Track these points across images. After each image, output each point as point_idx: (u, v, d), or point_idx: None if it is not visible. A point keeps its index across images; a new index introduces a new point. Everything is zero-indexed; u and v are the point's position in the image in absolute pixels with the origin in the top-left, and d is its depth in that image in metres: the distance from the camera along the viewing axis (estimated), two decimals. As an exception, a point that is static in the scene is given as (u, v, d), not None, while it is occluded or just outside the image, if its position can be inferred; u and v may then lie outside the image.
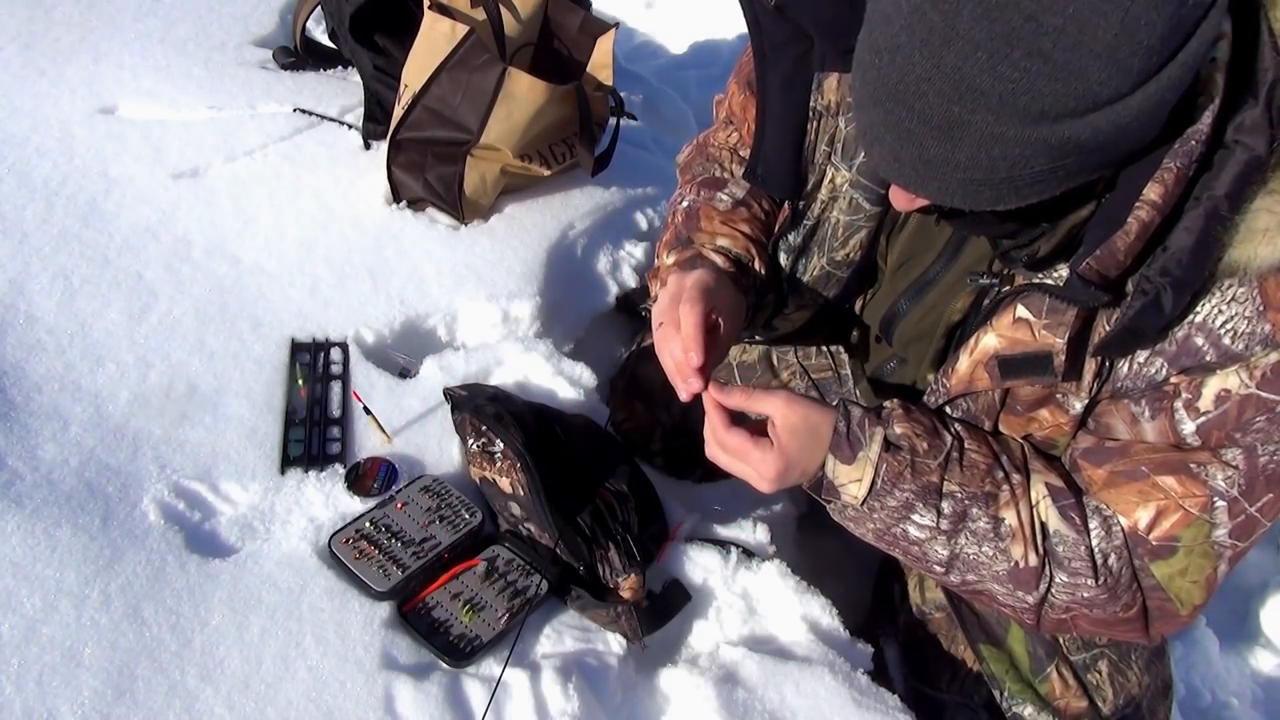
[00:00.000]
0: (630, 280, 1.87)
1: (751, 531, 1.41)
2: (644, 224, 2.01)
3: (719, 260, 1.15)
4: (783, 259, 1.22)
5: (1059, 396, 0.99)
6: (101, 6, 2.21)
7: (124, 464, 1.24)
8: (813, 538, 1.62)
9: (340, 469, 1.31)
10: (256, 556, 1.18)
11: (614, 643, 1.21)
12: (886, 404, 1.02)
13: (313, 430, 1.36)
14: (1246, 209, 0.79)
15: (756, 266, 1.18)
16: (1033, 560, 0.97)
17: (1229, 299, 0.83)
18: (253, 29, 2.30)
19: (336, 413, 1.40)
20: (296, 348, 1.47)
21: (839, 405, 0.99)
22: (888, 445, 0.97)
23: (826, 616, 1.29)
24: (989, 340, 0.97)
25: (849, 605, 1.32)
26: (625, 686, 1.19)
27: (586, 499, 1.30)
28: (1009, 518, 0.97)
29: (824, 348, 1.34)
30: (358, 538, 1.21)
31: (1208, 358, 0.86)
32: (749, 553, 1.35)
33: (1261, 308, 0.82)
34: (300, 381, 1.41)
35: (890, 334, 1.20)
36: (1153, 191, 0.79)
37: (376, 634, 1.13)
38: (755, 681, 1.17)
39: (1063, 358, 0.91)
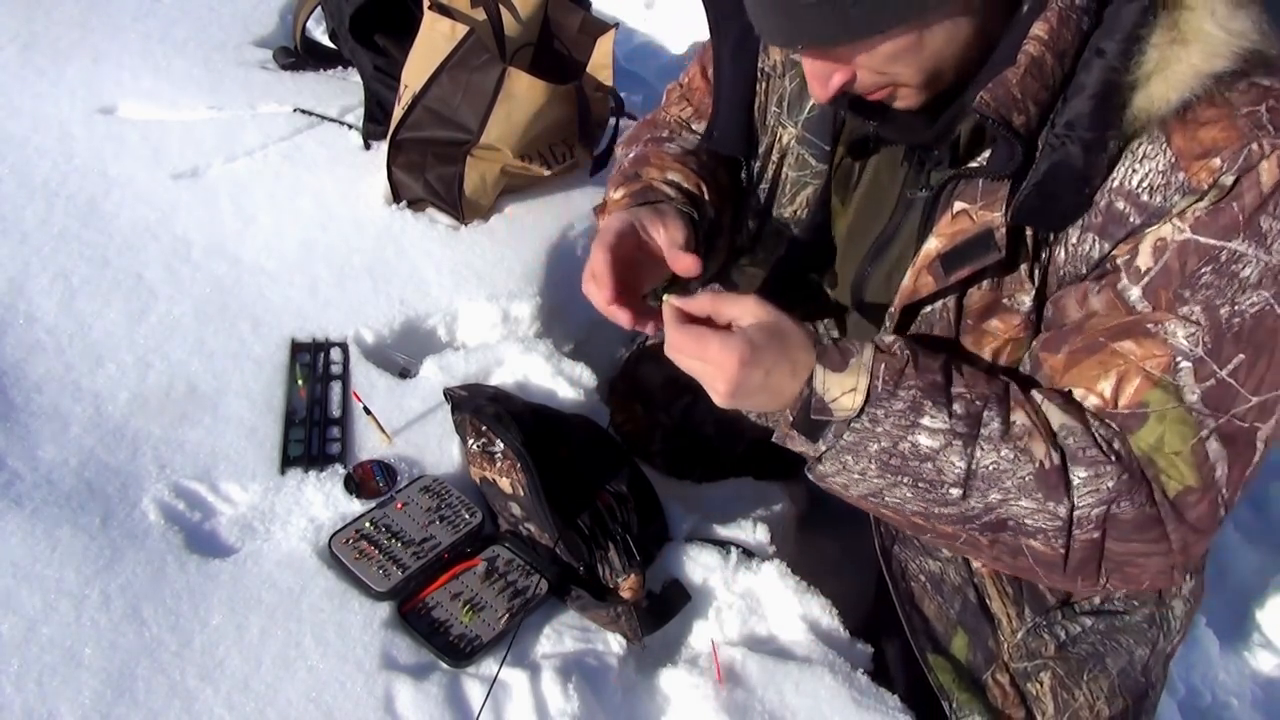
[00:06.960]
0: (630, 280, 1.87)
1: (751, 531, 1.40)
2: (644, 224, 2.01)
3: (669, 190, 1.16)
4: (751, 224, 1.27)
5: (1005, 300, 0.99)
6: (101, 6, 2.21)
7: (124, 464, 1.24)
8: (813, 538, 1.62)
9: (340, 469, 1.31)
10: (256, 556, 1.18)
11: (614, 643, 1.20)
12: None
13: (313, 430, 1.36)
14: (1139, 57, 0.83)
15: (707, 196, 1.20)
16: (1055, 458, 0.89)
17: (1140, 158, 0.87)
18: (253, 29, 2.30)
19: (336, 413, 1.40)
20: (296, 348, 1.47)
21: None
22: (880, 350, 0.92)
23: (826, 616, 1.28)
24: (930, 245, 0.97)
25: (849, 605, 1.32)
26: (625, 686, 1.19)
27: (586, 499, 1.30)
28: (1020, 418, 0.90)
29: (810, 325, 1.34)
30: (358, 538, 1.21)
31: (1133, 219, 0.88)
32: (749, 553, 1.35)
33: (1174, 159, 0.85)
34: (300, 382, 1.41)
35: (861, 300, 1.19)
36: (1039, 28, 0.84)
37: (376, 634, 1.13)
38: (755, 681, 1.17)
39: (1003, 231, 0.92)
